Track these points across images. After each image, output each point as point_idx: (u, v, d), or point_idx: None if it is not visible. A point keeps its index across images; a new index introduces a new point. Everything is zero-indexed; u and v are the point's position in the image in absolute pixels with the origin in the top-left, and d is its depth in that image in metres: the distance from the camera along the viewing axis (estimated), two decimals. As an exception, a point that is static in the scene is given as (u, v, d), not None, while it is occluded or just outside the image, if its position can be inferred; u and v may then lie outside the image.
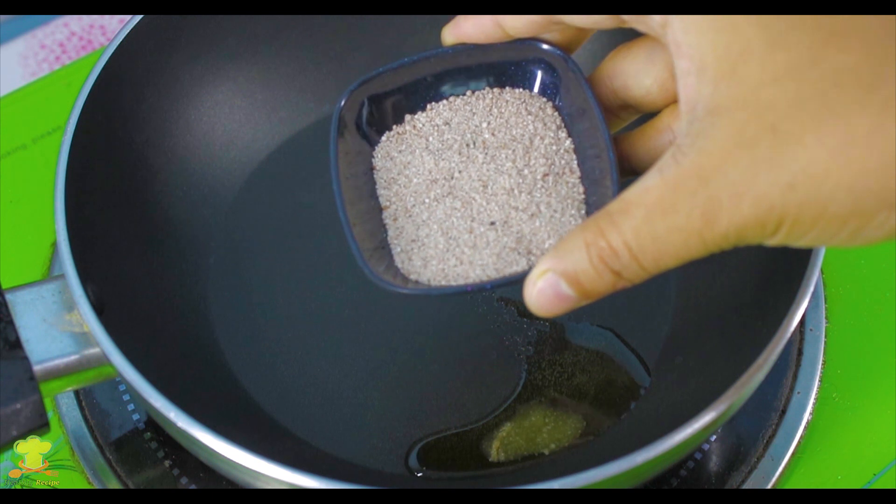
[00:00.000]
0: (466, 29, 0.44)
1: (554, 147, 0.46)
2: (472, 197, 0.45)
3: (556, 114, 0.47)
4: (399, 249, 0.45)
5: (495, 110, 0.47)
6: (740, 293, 0.52)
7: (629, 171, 0.45)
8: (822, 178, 0.34)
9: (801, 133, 0.34)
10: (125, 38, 0.54)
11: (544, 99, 0.47)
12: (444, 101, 0.48)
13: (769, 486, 0.53)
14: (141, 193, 0.56)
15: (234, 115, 0.61)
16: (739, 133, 0.35)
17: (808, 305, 0.46)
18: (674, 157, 0.36)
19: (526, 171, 0.45)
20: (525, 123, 0.46)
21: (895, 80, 0.34)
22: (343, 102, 0.46)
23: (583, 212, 0.44)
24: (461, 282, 0.43)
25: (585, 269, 0.37)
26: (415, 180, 0.46)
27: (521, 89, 0.47)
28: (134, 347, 0.45)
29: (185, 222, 0.58)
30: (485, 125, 0.47)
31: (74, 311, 0.46)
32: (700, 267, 0.56)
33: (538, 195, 0.45)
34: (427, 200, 0.46)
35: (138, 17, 0.54)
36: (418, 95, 0.48)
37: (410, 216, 0.46)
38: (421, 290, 0.43)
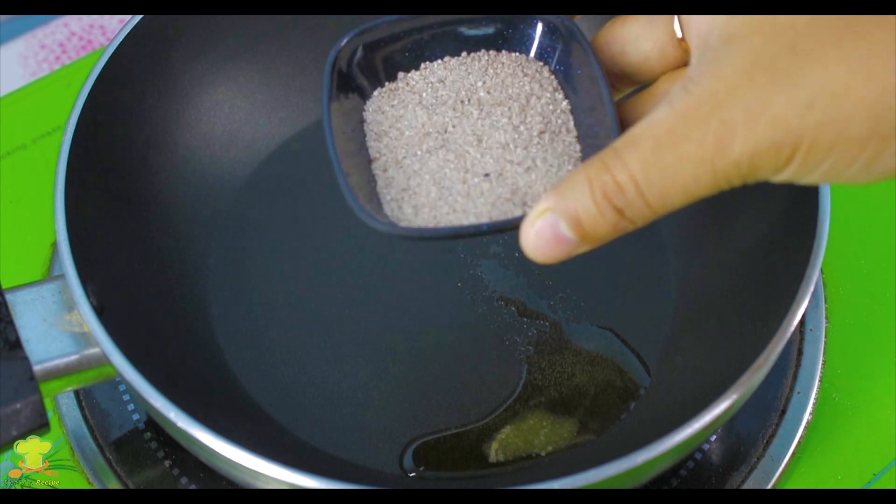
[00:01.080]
0: None
1: (550, 107, 0.45)
2: (466, 150, 0.44)
3: (552, 76, 0.47)
4: (389, 198, 0.44)
5: (491, 71, 0.47)
6: (740, 293, 0.52)
7: (621, 83, 0.44)
8: (842, 96, 0.32)
9: (821, 51, 0.32)
10: (125, 38, 0.54)
11: (541, 63, 0.47)
12: (439, 61, 0.47)
13: (769, 486, 0.53)
14: (141, 193, 0.56)
15: (234, 115, 0.61)
16: (756, 56, 0.33)
17: (808, 305, 0.46)
18: (684, 87, 0.34)
19: (522, 128, 0.44)
20: (521, 84, 0.46)
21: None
22: (338, 51, 0.45)
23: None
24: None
25: (587, 207, 0.34)
26: (406, 133, 0.45)
27: (517, 53, 0.47)
28: (134, 347, 0.45)
29: (185, 222, 0.58)
30: (480, 84, 0.46)
31: (74, 311, 0.46)
32: (700, 267, 0.56)
33: (534, 150, 0.44)
34: (419, 153, 0.45)
35: (138, 17, 0.54)
36: (413, 53, 0.47)
37: (401, 167, 0.45)
38: (414, 231, 0.42)
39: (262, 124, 0.61)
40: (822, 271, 0.59)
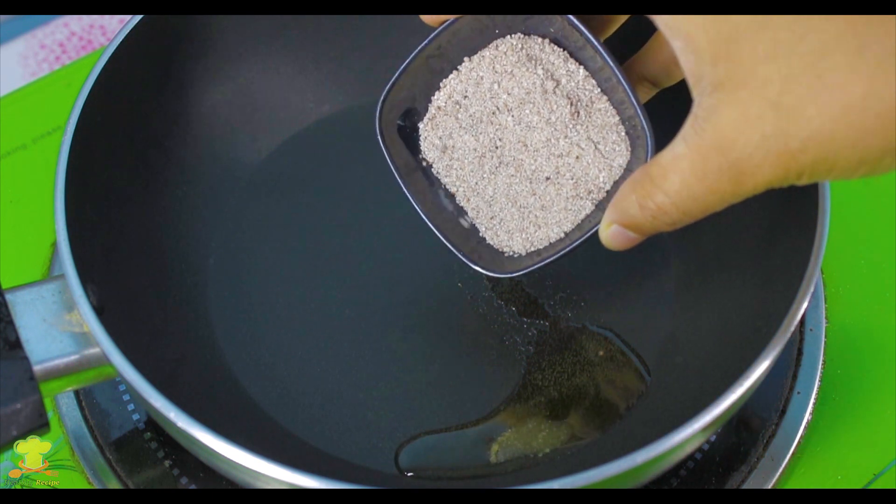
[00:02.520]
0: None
1: (570, 83, 0.48)
2: (521, 159, 0.49)
3: (558, 49, 0.48)
4: (484, 229, 0.52)
5: (498, 67, 0.49)
6: (740, 293, 0.52)
7: (650, 85, 0.50)
8: (828, 141, 0.37)
9: (802, 106, 0.37)
10: (125, 38, 0.54)
11: (539, 39, 0.49)
12: (453, 74, 0.50)
13: (769, 486, 0.53)
14: (141, 193, 0.56)
15: (234, 114, 0.61)
16: (745, 111, 0.38)
17: (808, 305, 0.46)
18: (694, 127, 0.39)
19: (553, 118, 0.48)
20: (531, 71, 0.48)
21: (881, 39, 0.36)
22: (378, 124, 0.50)
23: (622, 133, 0.47)
24: (545, 243, 0.50)
25: (642, 222, 0.42)
26: (467, 160, 0.50)
27: (513, 35, 0.49)
28: (134, 347, 0.45)
29: (185, 222, 0.58)
30: (496, 87, 0.49)
31: (74, 311, 0.46)
32: (700, 266, 0.56)
33: (574, 135, 0.48)
34: (487, 176, 0.50)
35: (138, 17, 0.54)
36: (430, 81, 0.50)
37: (478, 193, 0.51)
38: (535, 265, 0.50)
39: (263, 124, 0.61)
40: (822, 271, 0.59)
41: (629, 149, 0.48)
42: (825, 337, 0.57)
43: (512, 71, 0.48)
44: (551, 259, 0.50)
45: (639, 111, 0.46)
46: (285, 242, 0.59)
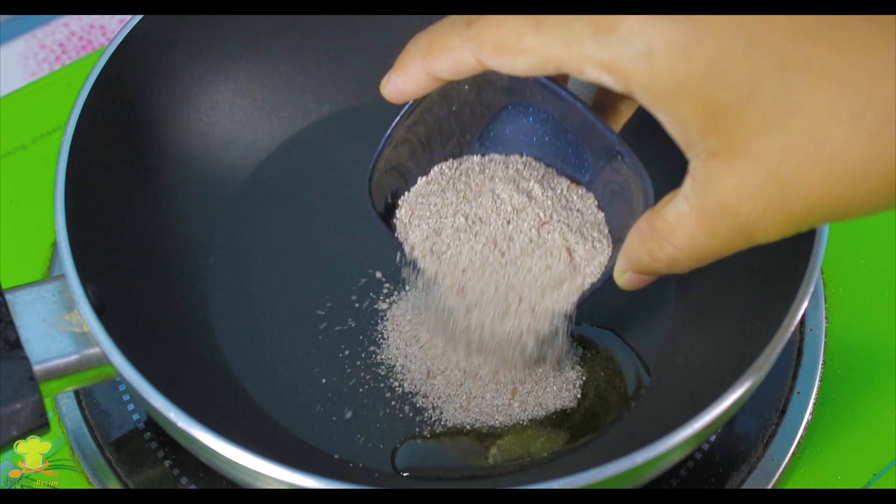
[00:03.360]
0: (400, 85, 0.45)
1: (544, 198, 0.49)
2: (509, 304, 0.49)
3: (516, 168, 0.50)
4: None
5: (462, 185, 0.50)
6: (740, 293, 0.52)
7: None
8: (834, 203, 0.37)
9: (803, 175, 0.36)
10: (125, 38, 0.54)
11: (497, 156, 0.50)
12: (435, 171, 0.51)
13: (769, 486, 0.53)
14: (141, 193, 0.56)
15: (234, 115, 0.61)
16: (745, 181, 0.37)
17: (808, 305, 0.46)
18: (694, 189, 0.38)
19: (520, 240, 0.49)
20: (498, 197, 0.49)
21: (874, 105, 0.35)
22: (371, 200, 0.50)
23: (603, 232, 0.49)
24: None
25: (655, 269, 0.43)
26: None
27: (476, 156, 0.51)
28: (134, 347, 0.45)
29: (184, 222, 0.58)
30: (468, 208, 0.49)
31: (74, 311, 0.46)
32: (700, 267, 0.56)
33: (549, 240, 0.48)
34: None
35: (138, 17, 0.54)
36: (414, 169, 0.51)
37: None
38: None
39: (262, 124, 0.61)
40: (822, 271, 0.59)
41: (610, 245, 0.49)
42: (825, 337, 0.57)
43: (480, 195, 0.49)
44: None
45: (625, 152, 0.46)
46: (285, 242, 0.59)
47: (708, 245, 0.40)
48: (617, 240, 0.48)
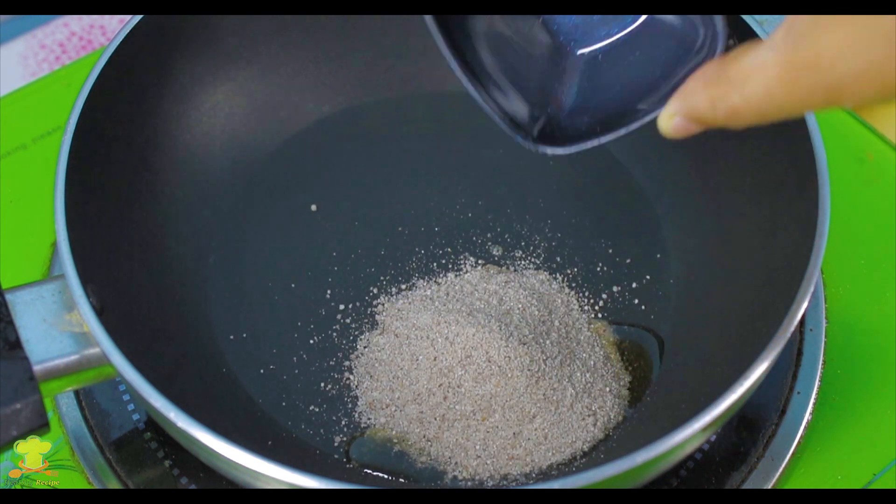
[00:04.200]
0: None
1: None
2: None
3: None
4: None
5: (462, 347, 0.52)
6: (740, 293, 0.52)
7: None
8: None
9: None
10: (125, 38, 0.54)
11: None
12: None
13: (769, 486, 0.53)
14: (141, 193, 0.56)
15: (234, 115, 0.61)
16: (854, 36, 0.36)
17: (808, 305, 0.46)
18: (787, 40, 0.37)
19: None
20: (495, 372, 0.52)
21: None
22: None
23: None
24: None
25: (710, 119, 0.41)
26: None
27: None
28: (134, 347, 0.45)
29: (185, 222, 0.58)
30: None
31: (74, 311, 0.46)
32: (700, 267, 0.56)
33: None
34: None
35: (138, 17, 0.54)
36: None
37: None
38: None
39: (262, 124, 0.61)
40: (822, 271, 0.59)
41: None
42: (825, 337, 0.57)
43: (483, 369, 0.52)
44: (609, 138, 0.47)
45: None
46: (285, 242, 0.59)
47: (780, 100, 0.38)
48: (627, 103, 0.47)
